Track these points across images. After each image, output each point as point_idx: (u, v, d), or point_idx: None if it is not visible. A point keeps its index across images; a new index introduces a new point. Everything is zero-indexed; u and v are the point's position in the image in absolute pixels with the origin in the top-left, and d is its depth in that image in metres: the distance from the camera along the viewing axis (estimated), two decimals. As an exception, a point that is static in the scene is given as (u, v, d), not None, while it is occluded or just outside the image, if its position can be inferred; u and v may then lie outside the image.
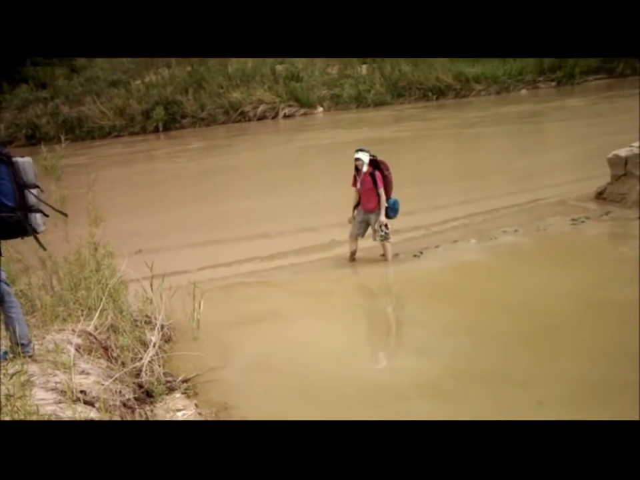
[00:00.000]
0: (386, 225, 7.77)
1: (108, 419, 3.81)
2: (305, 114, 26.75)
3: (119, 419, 4.06)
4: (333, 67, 28.88)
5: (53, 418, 3.53)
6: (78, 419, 3.55)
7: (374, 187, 7.80)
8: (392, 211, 7.90)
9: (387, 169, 7.90)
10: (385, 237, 7.81)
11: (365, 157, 7.82)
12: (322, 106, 27.12)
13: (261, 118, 26.94)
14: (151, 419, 4.37)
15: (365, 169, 7.82)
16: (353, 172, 7.97)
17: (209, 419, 4.50)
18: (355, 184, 8.03)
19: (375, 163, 7.88)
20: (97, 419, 3.65)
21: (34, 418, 3.08)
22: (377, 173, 7.80)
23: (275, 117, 26.90)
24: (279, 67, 28.07)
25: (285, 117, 26.76)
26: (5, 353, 4.18)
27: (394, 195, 7.98)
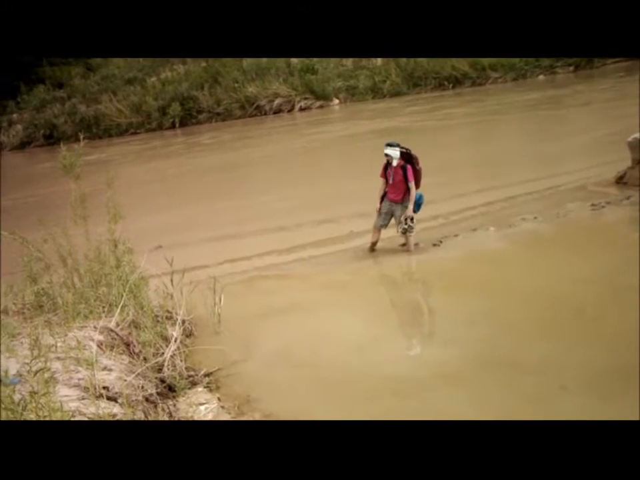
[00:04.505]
0: (412, 219, 7.70)
1: (131, 414, 3.85)
2: (321, 106, 26.69)
3: (141, 413, 4.09)
4: (347, 58, 28.75)
5: (77, 414, 3.56)
6: (99, 418, 3.58)
7: (404, 179, 7.76)
8: (416, 206, 7.85)
9: (418, 163, 7.83)
10: (408, 230, 7.73)
11: (394, 153, 7.75)
12: (338, 98, 27.04)
13: (277, 111, 26.95)
14: (173, 413, 4.40)
15: (395, 163, 7.78)
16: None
17: (232, 412, 4.52)
18: (383, 175, 7.98)
19: (407, 156, 7.82)
20: (113, 420, 3.68)
21: (58, 414, 3.11)
22: (409, 167, 7.73)
23: (291, 110, 26.89)
24: (293, 60, 27.97)
25: (301, 109, 26.73)
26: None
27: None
